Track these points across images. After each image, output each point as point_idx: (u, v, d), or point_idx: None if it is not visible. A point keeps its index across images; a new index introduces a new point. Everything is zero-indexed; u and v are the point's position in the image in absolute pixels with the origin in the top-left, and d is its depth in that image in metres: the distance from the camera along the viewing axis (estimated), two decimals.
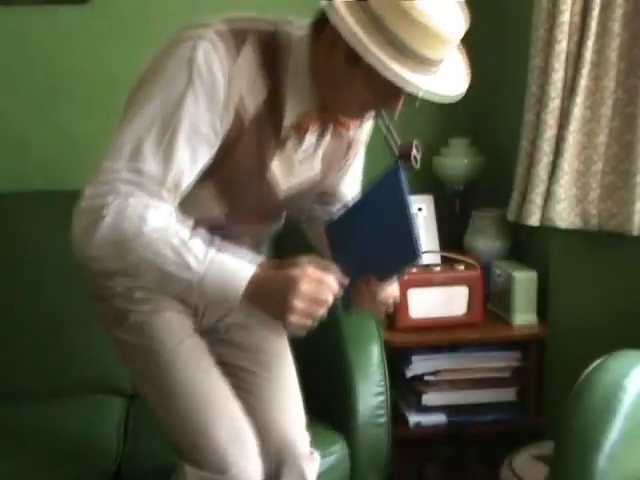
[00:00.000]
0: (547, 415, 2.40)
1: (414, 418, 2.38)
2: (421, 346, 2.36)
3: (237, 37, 1.36)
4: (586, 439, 1.59)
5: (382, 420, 2.03)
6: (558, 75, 2.20)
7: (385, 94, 1.35)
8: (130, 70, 2.51)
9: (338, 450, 1.98)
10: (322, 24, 1.35)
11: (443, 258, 2.56)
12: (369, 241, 1.48)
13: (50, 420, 2.06)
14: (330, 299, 1.35)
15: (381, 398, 2.03)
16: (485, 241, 2.55)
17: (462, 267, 2.39)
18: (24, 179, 2.51)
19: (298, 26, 1.43)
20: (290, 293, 1.31)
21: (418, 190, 2.70)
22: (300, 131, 1.45)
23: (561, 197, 2.23)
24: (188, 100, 1.32)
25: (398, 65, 1.27)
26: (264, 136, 1.41)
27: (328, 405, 2.07)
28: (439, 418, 2.39)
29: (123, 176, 1.30)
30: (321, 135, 1.51)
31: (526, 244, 2.55)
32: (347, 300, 1.47)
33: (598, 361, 1.71)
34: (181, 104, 1.32)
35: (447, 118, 2.71)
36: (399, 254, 1.43)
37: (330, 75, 1.38)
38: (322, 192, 1.69)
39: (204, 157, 1.36)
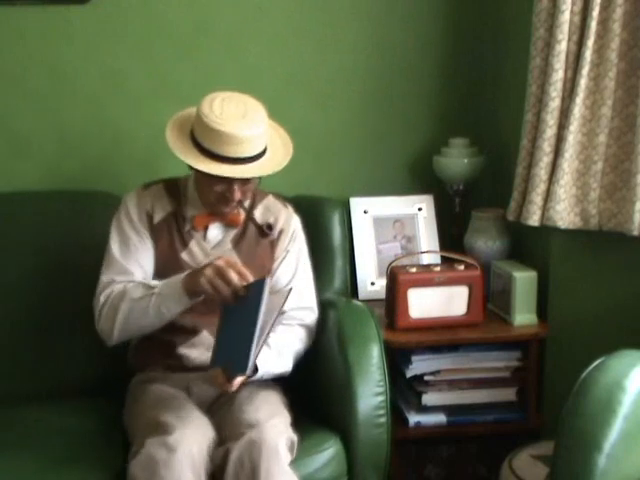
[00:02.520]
0: (547, 415, 2.40)
1: (414, 418, 2.38)
2: (421, 346, 2.36)
3: (146, 185, 2.15)
4: (586, 439, 1.60)
5: (382, 420, 2.03)
6: (558, 75, 2.20)
7: (217, 186, 1.97)
8: (130, 70, 2.55)
9: (331, 447, 1.97)
10: None
11: (443, 258, 2.56)
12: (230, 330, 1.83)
13: (50, 422, 2.06)
14: (230, 278, 1.83)
15: (381, 398, 2.03)
16: (485, 241, 2.55)
17: (462, 267, 2.38)
18: (24, 179, 2.51)
19: None
20: (202, 269, 1.89)
21: (418, 190, 2.71)
22: (199, 229, 2.08)
23: (561, 197, 2.23)
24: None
25: (207, 161, 1.93)
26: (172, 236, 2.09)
27: (328, 405, 2.07)
28: (439, 418, 2.39)
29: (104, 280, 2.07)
30: (228, 228, 2.11)
31: (526, 244, 2.55)
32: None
33: (598, 361, 1.71)
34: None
35: (447, 118, 2.71)
36: (237, 359, 1.77)
37: (196, 185, 2.07)
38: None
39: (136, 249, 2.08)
